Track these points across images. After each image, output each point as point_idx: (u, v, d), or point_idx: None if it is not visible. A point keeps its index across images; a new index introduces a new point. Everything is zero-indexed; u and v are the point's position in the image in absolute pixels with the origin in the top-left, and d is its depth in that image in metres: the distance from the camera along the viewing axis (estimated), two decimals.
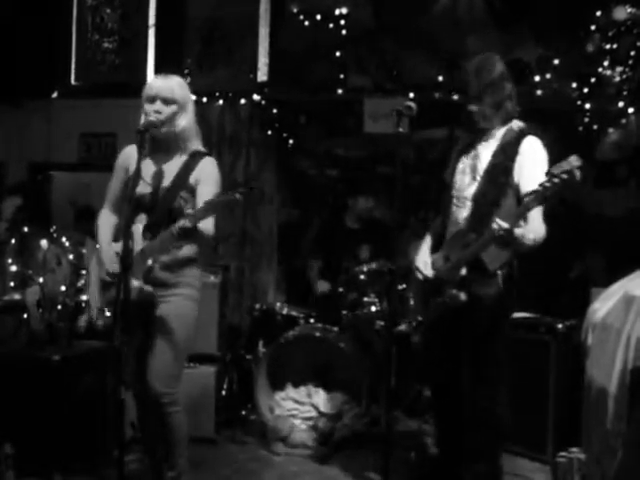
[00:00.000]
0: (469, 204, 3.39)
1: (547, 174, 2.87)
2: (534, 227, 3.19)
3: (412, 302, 3.62)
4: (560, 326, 4.39)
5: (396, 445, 3.76)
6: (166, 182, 3.30)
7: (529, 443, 4.35)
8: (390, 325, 3.80)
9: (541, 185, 2.87)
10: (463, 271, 3.30)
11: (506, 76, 3.38)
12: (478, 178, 3.37)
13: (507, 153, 3.30)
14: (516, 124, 3.39)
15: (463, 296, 3.31)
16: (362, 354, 4.73)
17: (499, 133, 3.39)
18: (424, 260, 3.58)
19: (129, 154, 3.38)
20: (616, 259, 5.07)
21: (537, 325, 4.46)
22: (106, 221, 3.49)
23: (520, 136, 3.32)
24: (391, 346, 3.19)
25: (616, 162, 5.88)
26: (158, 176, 3.31)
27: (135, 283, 3.12)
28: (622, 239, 5.35)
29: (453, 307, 3.35)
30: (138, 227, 3.24)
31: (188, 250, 3.33)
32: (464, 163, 3.49)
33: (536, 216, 3.18)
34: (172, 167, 3.34)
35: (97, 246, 3.52)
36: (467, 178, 3.44)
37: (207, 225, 3.17)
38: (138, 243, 3.21)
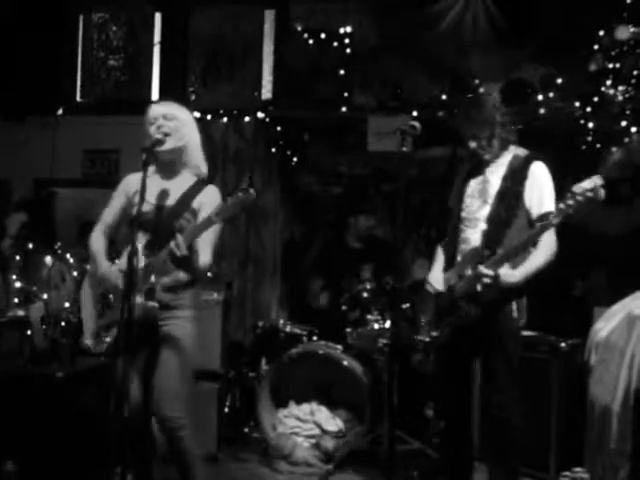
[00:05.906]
0: (482, 225, 3.47)
1: (570, 193, 2.98)
2: (536, 256, 3.31)
3: (423, 319, 3.62)
4: (562, 345, 4.40)
5: (398, 464, 3.75)
6: (170, 201, 3.31)
7: (532, 463, 4.32)
8: (394, 343, 3.80)
9: (563, 203, 2.99)
10: (478, 287, 3.32)
11: (495, 107, 3.51)
12: (489, 201, 3.47)
13: (516, 178, 3.43)
14: (522, 150, 3.51)
15: (477, 311, 3.35)
16: (365, 372, 4.72)
17: (505, 159, 3.51)
18: (436, 277, 3.63)
19: (131, 181, 3.37)
20: (619, 278, 5.07)
21: (539, 344, 4.45)
22: (100, 244, 3.42)
23: (527, 161, 3.45)
24: (394, 364, 3.19)
25: (619, 181, 5.88)
26: (161, 195, 3.32)
27: (138, 300, 3.12)
28: (625, 258, 5.34)
29: (466, 323, 3.38)
30: (138, 246, 3.21)
31: None
32: (472, 188, 3.59)
33: (545, 240, 3.29)
34: (176, 187, 3.35)
35: (88, 267, 3.49)
36: (477, 202, 3.53)
37: (204, 257, 3.18)
38: (139, 261, 3.18)
